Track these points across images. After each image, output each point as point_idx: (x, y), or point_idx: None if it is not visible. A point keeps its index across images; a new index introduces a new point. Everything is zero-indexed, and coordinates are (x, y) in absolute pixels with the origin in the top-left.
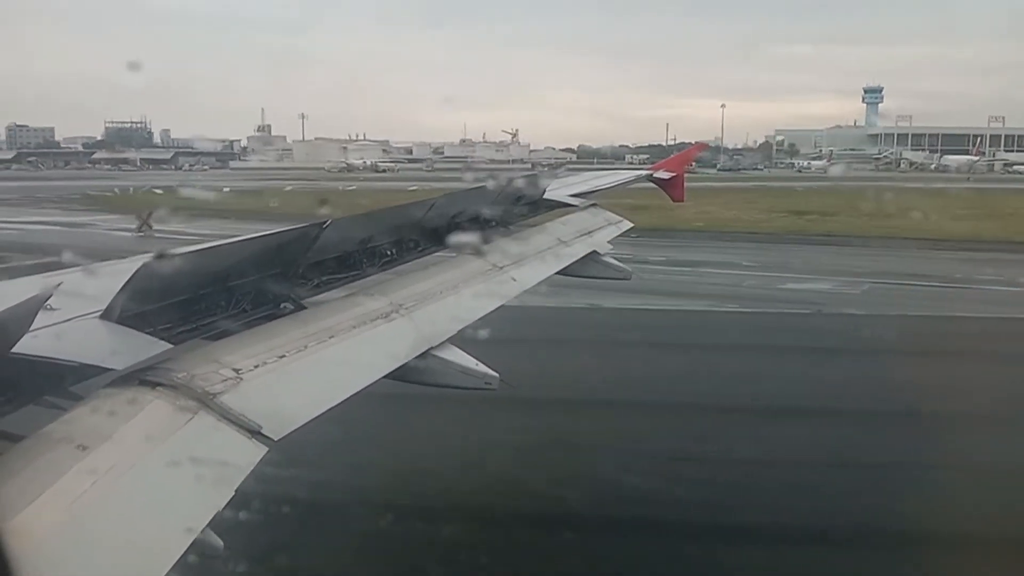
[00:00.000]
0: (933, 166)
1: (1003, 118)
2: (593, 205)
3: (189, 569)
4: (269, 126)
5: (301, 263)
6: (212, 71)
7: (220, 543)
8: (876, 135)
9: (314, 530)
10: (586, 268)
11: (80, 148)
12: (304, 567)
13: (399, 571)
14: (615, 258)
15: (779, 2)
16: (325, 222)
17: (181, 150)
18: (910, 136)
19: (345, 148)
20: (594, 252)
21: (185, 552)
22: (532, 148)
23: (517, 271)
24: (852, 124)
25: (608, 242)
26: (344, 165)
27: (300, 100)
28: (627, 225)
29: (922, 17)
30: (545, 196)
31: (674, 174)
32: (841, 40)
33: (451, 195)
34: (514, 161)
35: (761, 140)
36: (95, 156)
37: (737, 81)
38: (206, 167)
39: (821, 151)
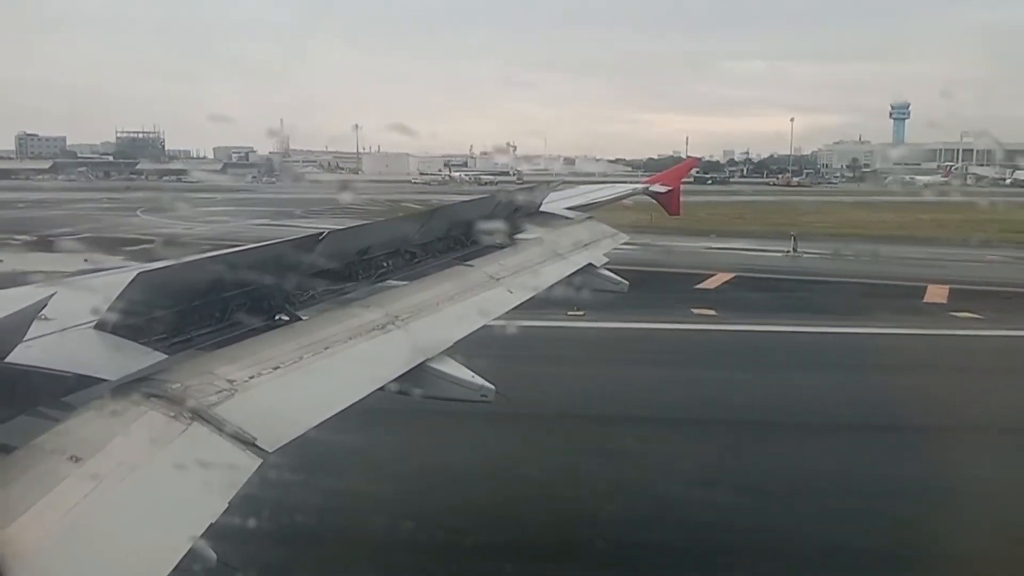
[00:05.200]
0: (1008, 181)
1: None
2: (589, 218)
3: None
4: (287, 137)
5: (297, 275)
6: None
7: (213, 555)
8: (935, 150)
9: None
10: (582, 281)
11: (111, 158)
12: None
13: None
14: None
15: (732, 18)
16: (322, 234)
17: (227, 161)
18: (975, 152)
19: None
20: (590, 265)
21: (179, 563)
22: (604, 160)
23: (513, 283)
24: (858, 139)
25: (604, 255)
26: (447, 177)
27: (275, 111)
28: (623, 238)
29: (876, 34)
30: (542, 209)
31: (670, 188)
32: (794, 57)
33: (448, 207)
34: (599, 175)
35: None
36: (139, 167)
37: (693, 96)
38: (274, 179)
39: (869, 165)
